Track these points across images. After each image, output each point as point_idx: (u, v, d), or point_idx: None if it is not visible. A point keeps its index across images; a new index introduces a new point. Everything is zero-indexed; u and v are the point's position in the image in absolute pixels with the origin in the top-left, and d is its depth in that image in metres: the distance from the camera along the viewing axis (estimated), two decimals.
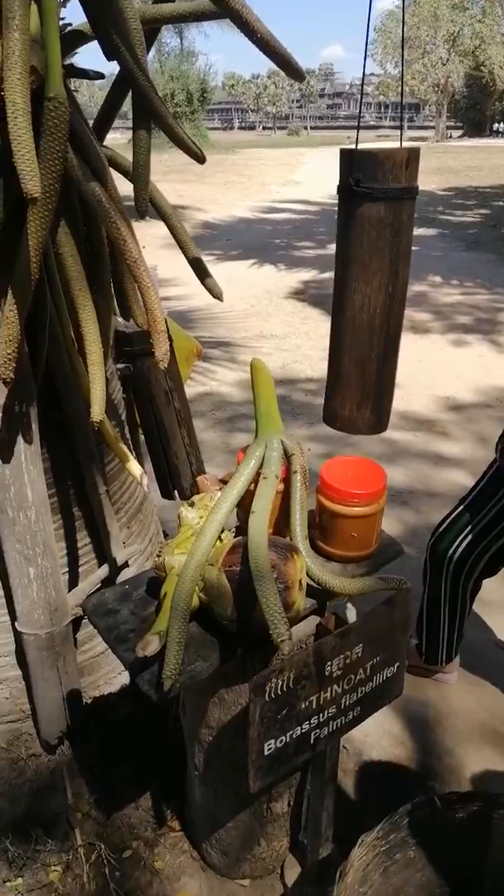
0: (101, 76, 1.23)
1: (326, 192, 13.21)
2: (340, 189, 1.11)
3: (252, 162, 21.38)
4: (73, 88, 1.42)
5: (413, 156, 1.08)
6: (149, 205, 1.14)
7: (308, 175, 18.31)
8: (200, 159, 1.15)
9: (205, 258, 1.34)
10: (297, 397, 4.06)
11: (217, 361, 4.70)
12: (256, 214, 11.86)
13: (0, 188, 1.06)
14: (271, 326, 5.58)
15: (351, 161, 1.10)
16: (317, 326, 5.55)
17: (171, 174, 12.10)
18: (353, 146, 1.10)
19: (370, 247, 1.14)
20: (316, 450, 3.25)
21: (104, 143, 1.30)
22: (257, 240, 9.38)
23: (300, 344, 5.10)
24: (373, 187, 1.09)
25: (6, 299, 1.03)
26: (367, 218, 1.13)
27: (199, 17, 1.15)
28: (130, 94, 1.14)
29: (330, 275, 1.88)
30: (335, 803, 1.30)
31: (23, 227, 1.00)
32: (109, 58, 1.09)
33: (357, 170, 1.10)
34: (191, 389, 4.05)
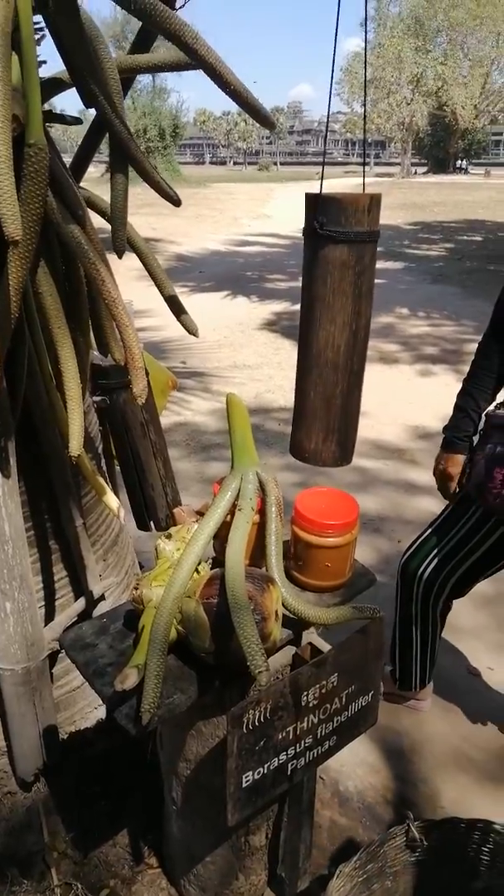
0: (78, 121, 1.28)
1: (296, 225, 13.43)
2: (306, 231, 1.16)
3: (223, 196, 21.78)
4: (46, 125, 1.46)
5: (375, 201, 1.13)
6: (126, 244, 1.17)
7: (278, 209, 18.71)
8: (175, 202, 1.19)
9: (178, 290, 1.38)
10: (271, 426, 4.11)
11: (191, 391, 4.74)
12: (228, 247, 12.05)
13: None
14: (244, 357, 5.66)
15: (316, 205, 1.14)
16: (289, 357, 5.63)
17: (143, 207, 12.28)
18: (318, 186, 1.15)
19: (334, 287, 1.18)
20: (289, 478, 3.28)
21: (80, 185, 1.34)
22: (229, 272, 9.52)
23: (273, 374, 5.17)
24: (336, 231, 1.14)
25: None
26: (331, 260, 1.17)
27: (174, 67, 1.20)
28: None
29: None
30: (312, 835, 1.30)
31: (2, 268, 1.02)
32: (87, 105, 1.14)
33: (321, 213, 1.14)
34: (165, 419, 4.07)
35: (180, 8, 1.38)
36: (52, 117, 1.25)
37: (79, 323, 1.17)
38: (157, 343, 5.53)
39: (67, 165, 1.33)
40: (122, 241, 1.12)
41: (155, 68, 1.21)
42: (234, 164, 63.10)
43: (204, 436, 3.98)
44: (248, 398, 4.63)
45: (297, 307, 1.84)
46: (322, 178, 1.58)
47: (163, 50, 1.26)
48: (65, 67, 1.17)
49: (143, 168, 1.09)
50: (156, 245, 11.41)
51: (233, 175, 41.33)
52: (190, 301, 7.54)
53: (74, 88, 1.18)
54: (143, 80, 28.52)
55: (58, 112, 1.31)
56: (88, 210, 1.22)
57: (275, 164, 61.07)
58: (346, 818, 1.56)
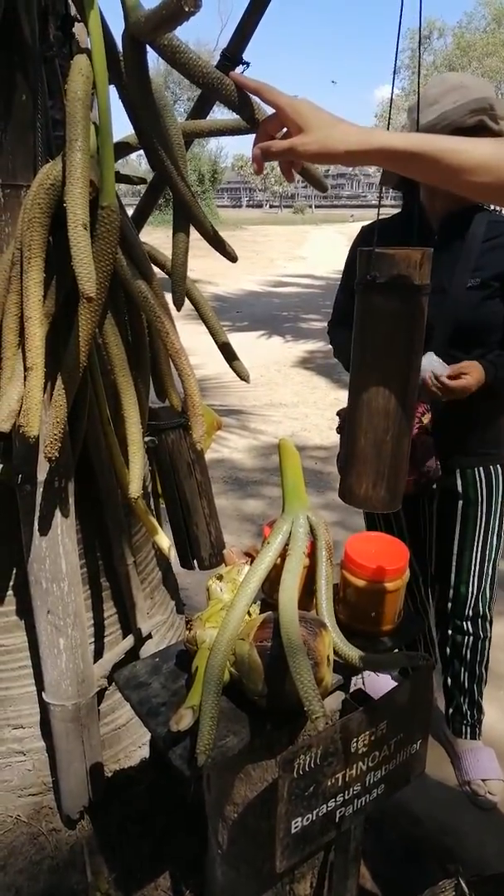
0: (143, 181, 1.36)
1: (331, 266, 13.71)
2: (358, 284, 1.20)
3: (260, 238, 22.28)
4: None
5: (426, 256, 1.17)
6: (185, 297, 1.23)
7: (313, 251, 19.04)
8: (233, 259, 1.25)
9: (216, 315, 1.43)
10: (308, 465, 4.13)
11: (229, 429, 4.80)
12: (264, 288, 12.28)
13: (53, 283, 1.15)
14: (280, 395, 5.72)
15: (369, 260, 1.19)
16: (324, 395, 5.68)
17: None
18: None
19: (385, 338, 1.21)
20: (327, 517, 3.28)
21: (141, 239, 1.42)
22: (265, 312, 9.69)
23: (308, 413, 5.21)
24: (389, 284, 1.18)
25: (55, 383, 1.11)
26: (383, 312, 1.21)
27: (234, 132, 1.28)
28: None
29: None
30: (357, 885, 1.28)
31: (72, 319, 1.09)
32: (154, 168, 1.21)
33: (375, 268, 1.18)
34: (205, 454, 4.13)
35: (242, 72, 1.47)
36: (120, 178, 1.33)
37: (140, 371, 1.23)
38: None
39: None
40: (182, 295, 1.18)
41: (217, 132, 1.28)
42: (271, 206, 64.61)
43: (241, 472, 4.02)
44: (285, 436, 4.67)
45: (331, 346, 1.89)
46: (375, 241, 1.63)
47: (220, 115, 1.34)
48: (133, 132, 1.26)
49: (204, 227, 1.16)
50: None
51: (269, 218, 42.28)
52: None
53: (142, 150, 1.26)
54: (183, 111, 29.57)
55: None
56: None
57: (310, 206, 62.36)
58: (389, 869, 1.53)
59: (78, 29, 1.25)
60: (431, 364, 1.47)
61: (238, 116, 1.07)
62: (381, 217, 1.68)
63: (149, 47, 1.02)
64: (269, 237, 23.02)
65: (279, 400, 5.59)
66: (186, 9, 0.85)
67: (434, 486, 1.63)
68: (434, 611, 1.84)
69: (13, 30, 1.14)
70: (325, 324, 2.05)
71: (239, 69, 1.44)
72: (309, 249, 19.66)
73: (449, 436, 1.58)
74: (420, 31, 1.17)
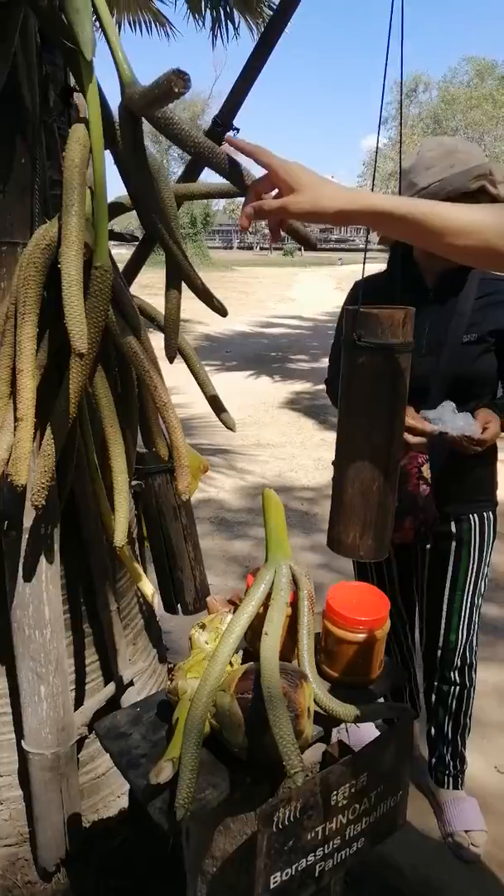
0: (136, 239, 1.41)
1: (319, 308, 13.96)
2: (345, 342, 1.25)
3: (250, 279, 22.69)
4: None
5: (409, 316, 1.23)
6: (176, 351, 1.27)
7: (302, 292, 19.40)
8: (223, 314, 1.30)
9: (205, 368, 1.47)
10: (294, 506, 4.15)
11: (217, 469, 4.83)
12: (254, 328, 12.47)
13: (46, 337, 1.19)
14: (268, 435, 5.77)
15: (355, 319, 1.24)
16: (311, 436, 5.74)
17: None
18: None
19: (371, 392, 1.25)
20: (314, 559, 3.30)
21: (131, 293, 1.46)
22: (254, 352, 9.82)
23: (295, 453, 5.25)
24: (373, 342, 1.22)
25: (45, 433, 1.13)
26: (368, 368, 1.25)
27: (223, 195, 1.34)
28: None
29: (323, 387, 2.05)
30: None
31: (62, 371, 1.12)
32: (146, 229, 1.27)
33: (360, 327, 1.23)
34: (191, 496, 4.15)
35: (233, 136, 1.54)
36: (113, 236, 1.38)
37: (128, 422, 1.26)
38: (184, 420, 5.62)
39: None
40: (174, 348, 1.22)
41: (207, 195, 1.34)
42: (261, 249, 65.95)
43: (228, 513, 4.03)
44: (272, 476, 4.70)
45: (319, 387, 1.94)
46: (363, 274, 1.69)
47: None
48: (127, 194, 1.31)
49: (195, 285, 1.21)
50: (185, 325, 11.78)
51: (259, 260, 43.16)
52: (216, 379, 7.74)
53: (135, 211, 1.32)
54: (177, 171, 30.35)
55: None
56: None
57: (299, 249, 63.70)
58: None
59: (78, 97, 1.31)
60: (464, 429, 1.52)
61: (227, 181, 1.12)
62: (374, 274, 1.76)
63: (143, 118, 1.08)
64: (259, 279, 23.46)
65: (266, 440, 5.63)
66: (176, 90, 0.91)
67: (430, 532, 1.68)
68: (422, 659, 1.85)
69: (15, 97, 1.20)
70: (313, 365, 2.11)
71: (230, 134, 1.52)
72: (298, 291, 20.04)
73: (447, 485, 1.63)
74: (402, 85, 1.24)
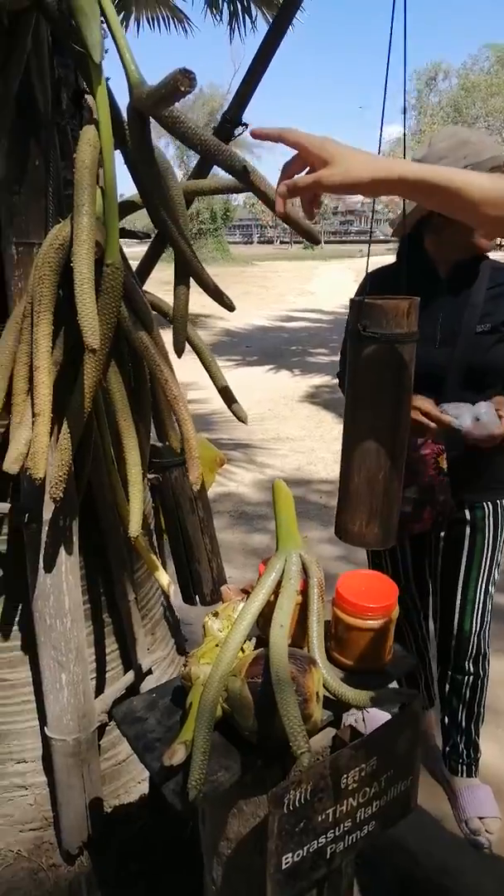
0: (148, 236, 1.44)
1: (339, 302, 13.89)
2: (349, 333, 1.27)
3: (270, 274, 22.65)
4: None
5: (413, 306, 1.24)
6: (185, 345, 1.30)
7: (322, 286, 19.32)
8: (230, 308, 1.32)
9: (225, 363, 1.51)
10: (313, 498, 4.17)
11: (237, 463, 4.86)
12: (273, 322, 12.47)
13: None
14: (287, 429, 5.79)
15: (360, 310, 1.25)
16: (330, 429, 5.74)
17: (194, 286, 12.96)
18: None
19: (376, 382, 1.27)
20: (333, 551, 3.31)
21: (145, 289, 1.49)
22: (274, 346, 9.83)
23: (314, 447, 5.26)
24: (377, 332, 1.24)
25: (61, 428, 1.17)
26: (374, 358, 1.27)
27: (231, 190, 1.37)
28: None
29: None
30: None
31: (77, 367, 1.16)
32: (156, 226, 1.29)
33: (365, 317, 1.25)
34: (211, 490, 4.18)
35: (237, 137, 1.57)
36: (126, 234, 1.41)
37: (141, 416, 1.29)
38: (204, 415, 5.72)
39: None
40: (182, 343, 1.25)
41: (216, 191, 1.37)
42: (281, 243, 65.73)
43: (248, 506, 4.06)
44: (290, 470, 4.72)
45: (338, 381, 1.95)
46: (367, 269, 1.71)
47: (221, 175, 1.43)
48: (137, 192, 1.34)
49: (204, 281, 1.23)
50: (205, 321, 11.89)
51: (279, 254, 43.02)
52: (235, 374, 7.82)
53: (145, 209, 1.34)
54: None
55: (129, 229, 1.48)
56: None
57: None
58: None
59: (90, 98, 1.34)
60: (488, 427, 1.51)
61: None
62: (384, 265, 1.77)
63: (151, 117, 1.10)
64: (279, 273, 23.42)
65: (286, 434, 5.65)
66: (182, 88, 0.93)
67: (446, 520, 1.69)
68: (436, 648, 1.87)
69: (28, 100, 1.24)
70: (332, 358, 2.13)
71: (238, 130, 1.54)
72: (318, 285, 19.96)
73: (462, 474, 1.64)
74: (405, 87, 1.25)
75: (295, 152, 0.92)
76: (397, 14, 1.12)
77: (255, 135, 1.00)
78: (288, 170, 0.95)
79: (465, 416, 1.51)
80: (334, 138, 0.91)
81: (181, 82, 0.93)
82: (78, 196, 1.08)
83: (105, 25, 1.11)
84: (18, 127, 1.23)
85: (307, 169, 0.93)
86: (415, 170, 0.85)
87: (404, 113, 1.35)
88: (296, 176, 0.93)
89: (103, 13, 1.09)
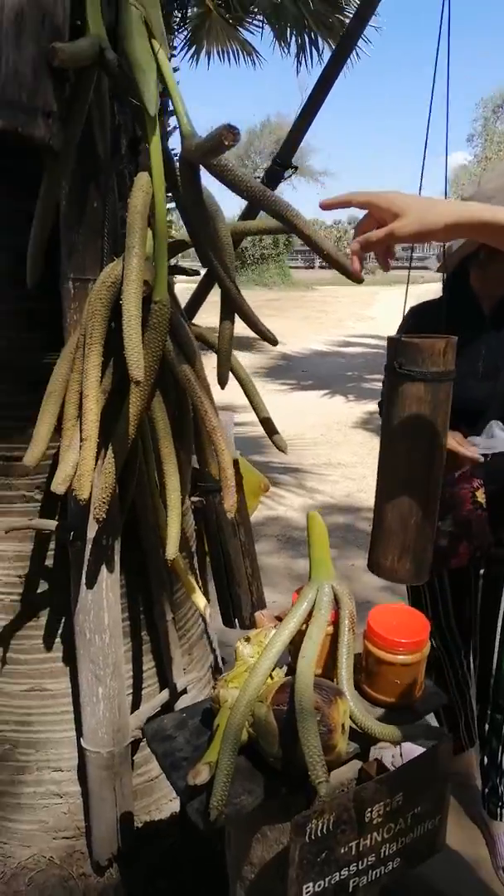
0: (196, 273, 1.51)
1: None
2: (387, 369, 1.29)
3: (330, 298, 22.73)
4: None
5: (450, 345, 1.25)
6: (228, 377, 1.35)
7: (381, 311, 19.21)
8: (273, 343, 1.37)
9: (280, 387, 1.55)
10: (362, 526, 4.15)
11: (286, 487, 4.89)
12: (331, 347, 12.50)
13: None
14: (340, 455, 5.78)
15: (396, 347, 1.28)
16: None
17: (254, 309, 13.17)
18: (422, 290, 1.23)
19: (412, 420, 1.28)
20: (376, 581, 3.28)
21: (194, 322, 1.56)
22: (330, 372, 9.85)
23: (366, 473, 5.23)
24: (413, 370, 1.25)
25: (107, 453, 1.24)
26: (409, 396, 1.28)
27: (276, 231, 1.42)
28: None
29: None
30: None
31: (125, 396, 1.22)
32: (204, 265, 1.35)
33: (400, 355, 1.27)
34: (259, 513, 4.21)
35: (286, 179, 1.63)
36: (176, 270, 1.49)
37: (183, 443, 1.35)
38: (255, 438, 5.76)
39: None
40: (226, 376, 1.30)
41: (262, 231, 1.42)
42: None
43: (295, 531, 4.07)
44: (340, 497, 4.71)
45: (378, 409, 1.97)
46: (405, 306, 1.73)
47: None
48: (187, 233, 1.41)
49: (248, 318, 1.29)
50: (262, 345, 11.99)
51: (340, 279, 42.79)
52: (290, 398, 7.87)
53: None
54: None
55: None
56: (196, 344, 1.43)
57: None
58: None
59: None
60: None
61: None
62: (429, 300, 1.79)
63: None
64: (339, 297, 23.47)
65: (337, 459, 5.64)
66: (226, 143, 1.00)
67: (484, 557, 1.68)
68: (475, 686, 1.84)
69: (89, 147, 1.33)
70: None
71: (287, 172, 1.60)
72: (378, 310, 19.87)
73: (501, 509, 1.62)
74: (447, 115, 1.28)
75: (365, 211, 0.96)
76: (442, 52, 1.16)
77: (323, 206, 1.04)
78: (361, 227, 0.99)
79: (497, 438, 1.51)
80: (402, 191, 0.94)
81: (226, 137, 1.00)
82: (130, 238, 1.16)
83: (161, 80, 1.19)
84: (79, 171, 1.32)
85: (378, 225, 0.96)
86: (489, 214, 0.87)
87: (425, 146, 1.38)
88: (370, 232, 0.97)
89: (160, 70, 1.17)
